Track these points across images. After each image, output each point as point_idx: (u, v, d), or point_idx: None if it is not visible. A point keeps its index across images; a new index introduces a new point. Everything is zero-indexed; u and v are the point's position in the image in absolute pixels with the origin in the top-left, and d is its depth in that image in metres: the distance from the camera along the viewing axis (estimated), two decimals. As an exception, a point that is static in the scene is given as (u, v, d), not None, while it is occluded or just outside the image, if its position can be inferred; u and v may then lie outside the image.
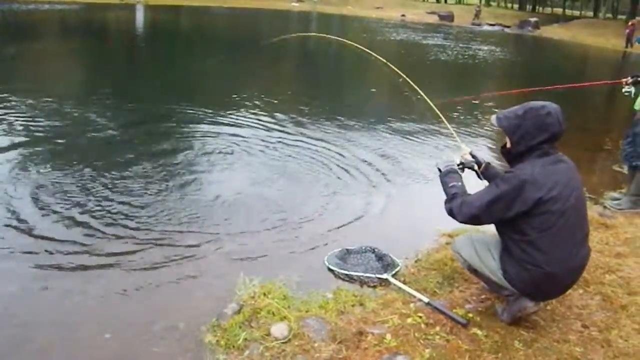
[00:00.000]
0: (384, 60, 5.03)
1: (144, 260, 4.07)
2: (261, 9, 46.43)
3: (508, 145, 3.04)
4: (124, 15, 33.45)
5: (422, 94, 4.46)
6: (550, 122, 2.89)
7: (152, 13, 35.89)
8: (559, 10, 63.53)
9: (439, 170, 3.37)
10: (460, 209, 3.02)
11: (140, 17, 33.80)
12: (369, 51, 5.20)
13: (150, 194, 5.40)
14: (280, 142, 7.58)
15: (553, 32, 43.76)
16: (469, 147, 3.74)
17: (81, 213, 4.83)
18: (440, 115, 4.37)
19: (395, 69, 4.80)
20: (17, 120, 7.77)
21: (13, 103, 8.74)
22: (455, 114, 10.20)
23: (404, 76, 4.70)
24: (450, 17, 48.90)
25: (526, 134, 2.91)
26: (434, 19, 48.63)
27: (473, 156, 3.54)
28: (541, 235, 2.82)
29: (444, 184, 3.25)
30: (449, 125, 4.35)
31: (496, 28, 45.21)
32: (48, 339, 3.16)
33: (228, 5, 47.26)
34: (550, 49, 33.68)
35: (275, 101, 10.48)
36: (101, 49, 18.58)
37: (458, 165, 3.45)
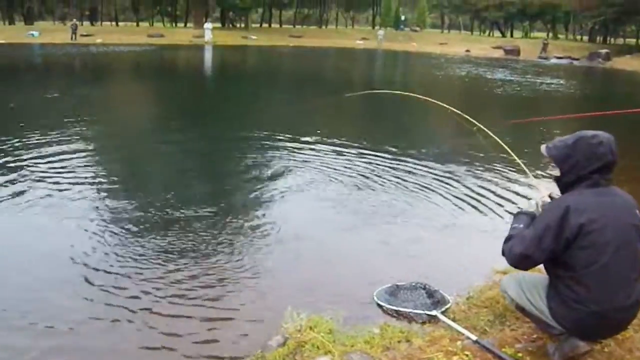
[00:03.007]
0: (474, 121, 4.93)
1: (194, 290, 4.20)
2: (326, 47, 47.27)
3: (558, 174, 2.96)
4: (194, 55, 34.93)
5: (501, 142, 4.38)
6: (603, 152, 2.79)
7: (220, 53, 37.26)
8: (632, 41, 61.29)
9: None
10: (511, 250, 2.91)
11: (208, 56, 35.19)
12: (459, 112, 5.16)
13: (206, 223, 5.61)
14: (337, 174, 7.68)
15: (626, 63, 42.24)
16: (548, 189, 3.58)
17: (134, 240, 5.09)
18: (512, 154, 4.29)
19: (469, 117, 4.77)
20: (91, 154, 8.30)
21: (90, 138, 9.32)
22: (529, 149, 9.90)
23: (479, 125, 4.63)
24: (516, 52, 48.15)
25: (577, 163, 2.82)
26: (499, 54, 48.00)
27: (552, 198, 3.27)
28: (586, 271, 2.70)
29: (511, 225, 3.15)
30: (522, 164, 4.27)
31: (564, 61, 44.13)
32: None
33: (293, 45, 48.48)
34: (622, 80, 32.50)
35: (339, 134, 10.60)
36: (174, 86, 19.48)
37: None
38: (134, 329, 3.68)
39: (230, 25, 65.04)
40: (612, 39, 64.20)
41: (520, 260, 2.89)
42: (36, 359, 3.34)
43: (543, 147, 3.02)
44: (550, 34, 67.56)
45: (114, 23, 63.84)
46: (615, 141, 2.87)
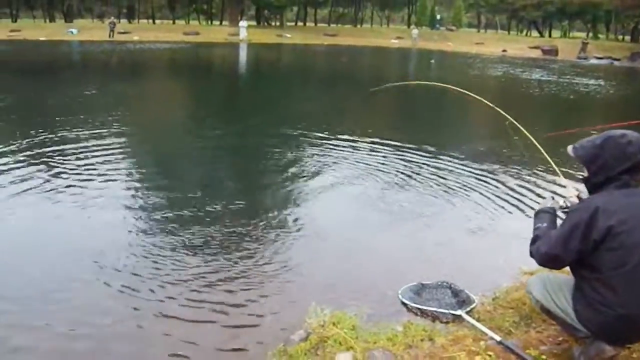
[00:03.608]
0: (491, 104, 4.85)
1: (219, 284, 4.26)
2: (360, 46, 47.17)
3: (586, 175, 2.90)
4: (229, 53, 35.27)
5: (527, 133, 4.30)
6: (632, 152, 2.72)
7: (255, 51, 37.54)
8: (677, 42, 59.54)
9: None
10: (538, 250, 2.87)
11: (243, 54, 35.49)
12: (475, 95, 5.08)
13: (234, 218, 5.67)
14: (368, 171, 7.69)
15: (670, 64, 41.07)
16: (575, 189, 3.49)
17: (162, 234, 5.19)
18: (544, 153, 4.22)
19: (500, 110, 4.68)
20: (124, 149, 8.48)
21: (129, 134, 9.50)
22: (561, 149, 9.72)
23: (511, 119, 4.56)
24: (554, 52, 47.20)
25: (605, 163, 2.75)
26: (537, 54, 47.11)
27: (580, 199, 3.21)
28: (614, 274, 2.64)
29: (533, 225, 3.10)
30: (554, 164, 4.20)
31: (604, 61, 43.08)
32: (123, 355, 3.38)
33: (328, 43, 48.51)
34: (665, 81, 31.64)
35: (372, 131, 10.62)
36: (209, 83, 19.79)
37: (563, 208, 3.24)
38: (157, 319, 3.75)
39: (265, 24, 65.42)
40: (656, 39, 62.40)
41: (547, 260, 2.85)
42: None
43: (570, 148, 2.95)
44: (591, 34, 66.13)
45: (150, 21, 64.83)
46: None
